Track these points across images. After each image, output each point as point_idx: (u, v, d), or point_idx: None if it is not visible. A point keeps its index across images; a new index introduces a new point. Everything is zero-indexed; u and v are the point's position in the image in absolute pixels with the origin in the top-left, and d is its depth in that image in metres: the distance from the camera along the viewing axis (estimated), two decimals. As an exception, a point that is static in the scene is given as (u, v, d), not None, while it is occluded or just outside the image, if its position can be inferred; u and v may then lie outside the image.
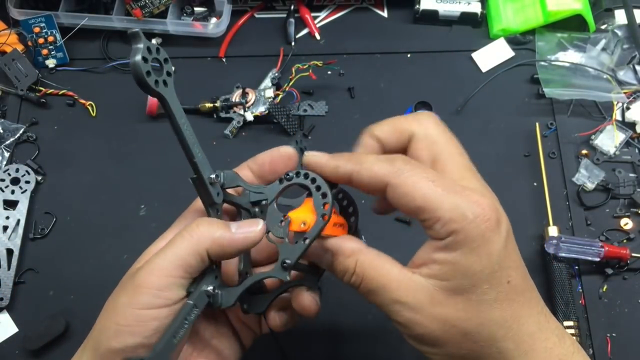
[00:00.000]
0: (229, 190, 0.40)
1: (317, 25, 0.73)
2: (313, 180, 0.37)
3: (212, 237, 0.36)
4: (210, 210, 0.39)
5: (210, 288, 0.36)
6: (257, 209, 0.40)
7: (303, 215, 0.37)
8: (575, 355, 0.36)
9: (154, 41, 0.72)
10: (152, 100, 0.66)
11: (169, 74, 0.33)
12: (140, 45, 0.30)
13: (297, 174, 0.38)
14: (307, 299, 0.39)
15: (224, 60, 0.72)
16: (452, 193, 0.33)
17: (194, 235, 0.35)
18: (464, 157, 0.37)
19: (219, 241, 0.36)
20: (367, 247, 0.37)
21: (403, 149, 0.37)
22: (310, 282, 0.40)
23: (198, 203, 0.41)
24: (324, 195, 0.36)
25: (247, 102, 0.67)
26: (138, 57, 0.30)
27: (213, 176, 0.37)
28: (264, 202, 0.40)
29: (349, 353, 0.57)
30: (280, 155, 0.41)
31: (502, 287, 0.33)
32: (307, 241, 0.36)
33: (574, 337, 0.54)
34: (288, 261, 0.36)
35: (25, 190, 0.64)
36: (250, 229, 0.37)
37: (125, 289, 0.35)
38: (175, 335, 0.34)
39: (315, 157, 0.38)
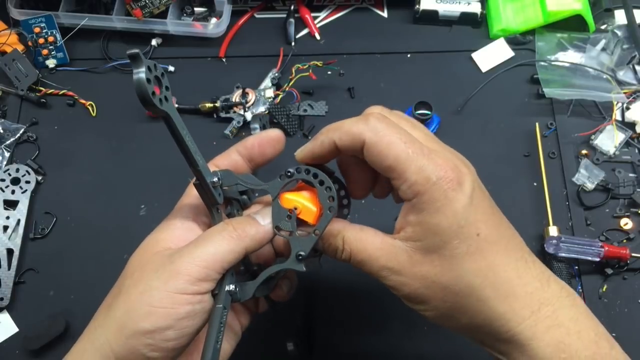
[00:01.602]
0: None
1: (317, 25, 0.73)
2: (315, 176, 0.39)
3: (250, 235, 0.38)
4: (214, 210, 0.40)
5: (232, 287, 0.38)
6: (244, 196, 0.42)
7: (300, 201, 0.39)
8: (563, 299, 0.37)
9: (154, 41, 0.72)
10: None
11: (167, 88, 0.34)
12: (142, 68, 0.31)
13: (298, 170, 0.40)
14: (280, 290, 0.44)
15: (224, 60, 0.72)
16: (420, 155, 0.35)
17: (234, 236, 0.38)
18: (420, 130, 0.38)
19: (256, 237, 0.39)
20: (351, 224, 0.40)
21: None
22: (311, 263, 0.41)
23: (191, 195, 0.43)
24: (329, 189, 0.39)
25: (247, 102, 0.67)
26: (142, 78, 0.31)
27: (215, 180, 0.39)
28: (248, 190, 0.42)
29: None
30: (269, 138, 0.44)
31: (471, 240, 0.35)
32: (318, 232, 0.38)
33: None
34: (302, 253, 0.39)
35: (26, 190, 0.64)
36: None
37: (159, 272, 0.36)
38: (218, 341, 0.36)
39: (303, 150, 0.40)
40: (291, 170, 0.40)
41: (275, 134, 0.44)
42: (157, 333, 0.35)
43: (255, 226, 0.39)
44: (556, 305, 0.36)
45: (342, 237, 0.39)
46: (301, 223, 0.40)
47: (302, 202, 0.39)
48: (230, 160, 0.44)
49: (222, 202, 0.40)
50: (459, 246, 0.35)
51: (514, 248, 0.38)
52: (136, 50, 0.31)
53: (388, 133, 0.36)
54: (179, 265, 0.36)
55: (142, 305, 0.35)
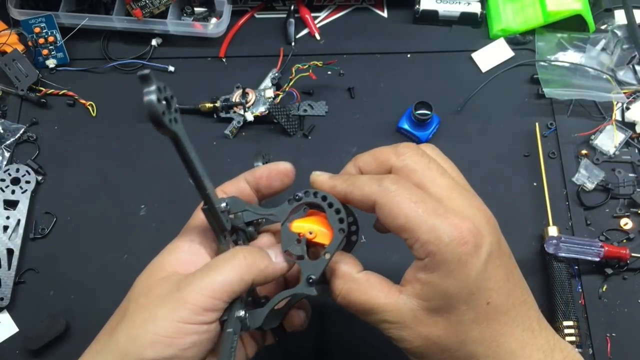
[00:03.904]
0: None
1: (317, 25, 0.73)
2: (324, 198, 0.39)
3: (260, 268, 0.38)
4: (221, 236, 0.40)
5: (242, 313, 0.38)
6: (251, 228, 0.42)
7: (312, 226, 0.39)
8: None
9: (154, 41, 0.72)
10: (152, 100, 0.66)
11: (177, 110, 0.34)
12: (153, 87, 0.30)
13: (306, 193, 0.40)
14: (297, 319, 0.43)
15: (224, 60, 0.72)
16: (432, 215, 0.34)
17: (243, 265, 0.37)
18: (446, 178, 0.37)
19: (265, 271, 0.38)
20: (357, 273, 0.39)
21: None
22: (321, 288, 0.41)
23: (198, 219, 0.42)
24: (338, 211, 0.39)
25: (247, 102, 0.67)
26: (153, 98, 0.30)
27: (223, 205, 0.39)
28: (255, 221, 0.42)
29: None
30: (278, 171, 0.43)
31: (480, 308, 0.35)
32: (328, 256, 0.38)
33: (573, 338, 0.54)
34: (313, 277, 0.38)
35: (26, 190, 0.64)
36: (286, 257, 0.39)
37: (165, 300, 0.36)
38: None
39: (319, 177, 0.40)
40: (299, 194, 0.40)
41: (284, 167, 0.43)
42: None
43: (266, 260, 0.39)
44: None
45: (343, 286, 0.38)
46: (313, 247, 0.40)
47: (315, 227, 0.39)
48: (238, 188, 0.43)
49: (229, 229, 0.40)
50: (466, 312, 0.34)
51: (523, 317, 0.36)
52: (147, 71, 0.30)
53: (399, 193, 0.35)
54: (186, 294, 0.35)
55: (146, 333, 0.35)
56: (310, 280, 0.38)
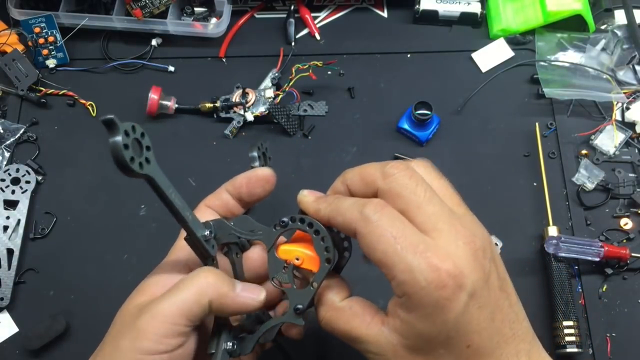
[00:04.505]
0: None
1: (317, 25, 0.73)
2: (310, 225, 0.38)
3: (218, 292, 0.36)
4: (208, 262, 0.39)
5: (230, 345, 0.38)
6: (242, 238, 0.41)
7: (299, 251, 0.39)
8: None
9: (154, 41, 0.72)
10: (152, 100, 0.66)
11: (148, 148, 0.32)
12: (119, 137, 0.29)
13: (293, 219, 0.39)
14: (295, 332, 0.41)
15: (224, 60, 0.72)
16: (410, 254, 0.32)
17: (200, 285, 0.36)
18: (433, 204, 0.34)
19: (222, 299, 0.36)
20: (340, 302, 0.38)
21: (374, 196, 0.36)
22: (310, 313, 0.40)
23: (179, 249, 0.41)
24: (323, 239, 0.38)
25: (247, 102, 0.67)
26: (119, 146, 0.29)
27: (207, 233, 0.38)
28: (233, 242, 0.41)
29: None
30: (257, 178, 0.43)
31: (460, 352, 0.33)
32: (315, 285, 0.37)
33: (573, 338, 0.54)
34: (300, 306, 0.38)
35: (26, 190, 0.64)
36: (252, 296, 0.38)
37: (127, 330, 0.35)
38: None
39: (305, 197, 0.39)
40: (285, 219, 0.39)
41: (263, 173, 0.43)
42: None
43: (226, 286, 0.37)
44: None
45: (326, 314, 0.37)
46: (302, 273, 0.40)
47: (302, 251, 0.39)
48: (221, 200, 0.43)
49: (214, 254, 0.39)
50: (445, 355, 0.33)
51: (510, 355, 0.34)
52: (110, 116, 0.29)
53: (379, 225, 0.33)
54: (144, 322, 0.34)
55: None
56: (298, 311, 0.38)
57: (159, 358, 0.34)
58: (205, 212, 0.43)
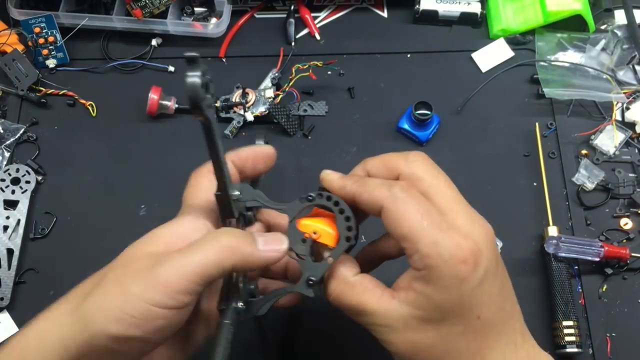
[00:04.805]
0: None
1: (317, 26, 0.73)
2: (336, 203, 0.39)
3: (241, 253, 0.36)
4: (227, 221, 0.40)
5: (240, 305, 0.38)
6: (250, 213, 0.41)
7: (317, 226, 0.39)
8: None
9: (154, 41, 0.72)
10: (152, 100, 0.66)
11: (212, 95, 0.33)
12: (198, 72, 0.30)
13: (320, 195, 0.40)
14: (286, 300, 0.43)
15: (224, 60, 0.72)
16: (435, 229, 0.34)
17: (222, 249, 0.36)
18: (451, 190, 0.38)
19: (247, 258, 0.36)
20: (353, 277, 0.39)
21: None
22: (318, 289, 0.40)
23: (204, 198, 0.41)
24: (347, 219, 0.39)
25: (247, 102, 0.67)
26: (197, 82, 0.30)
27: (237, 193, 0.39)
28: (255, 207, 0.41)
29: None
30: (263, 154, 0.44)
31: (471, 322, 0.35)
32: (331, 260, 0.38)
33: (573, 338, 0.54)
34: (313, 278, 0.38)
35: (26, 190, 0.64)
36: (275, 247, 0.38)
37: (139, 277, 0.35)
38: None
39: (329, 175, 0.41)
40: (312, 194, 0.40)
41: (269, 150, 0.44)
42: (122, 340, 0.34)
43: (249, 246, 0.37)
44: None
45: (336, 287, 0.38)
46: (315, 245, 0.40)
47: (321, 227, 0.39)
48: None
49: (237, 216, 0.40)
50: (456, 325, 0.35)
51: (508, 330, 0.37)
52: (195, 54, 0.30)
53: (407, 202, 0.35)
54: (160, 274, 0.34)
55: (114, 308, 0.34)
56: (310, 282, 0.38)
57: (168, 313, 0.34)
58: (205, 178, 0.43)
